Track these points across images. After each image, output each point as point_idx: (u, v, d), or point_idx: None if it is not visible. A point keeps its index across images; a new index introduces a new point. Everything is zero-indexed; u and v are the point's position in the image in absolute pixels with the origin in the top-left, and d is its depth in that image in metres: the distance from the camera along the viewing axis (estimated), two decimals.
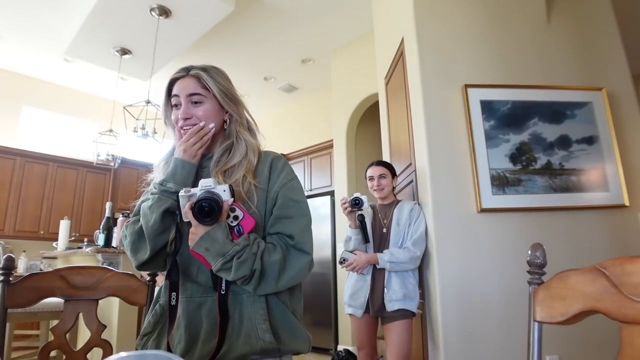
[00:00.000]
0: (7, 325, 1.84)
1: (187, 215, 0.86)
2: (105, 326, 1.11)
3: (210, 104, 0.97)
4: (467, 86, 2.30)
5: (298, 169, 5.02)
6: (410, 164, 2.45)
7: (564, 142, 2.29)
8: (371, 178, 2.22)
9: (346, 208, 2.08)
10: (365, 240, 2.08)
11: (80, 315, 1.11)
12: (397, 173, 2.37)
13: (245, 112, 1.03)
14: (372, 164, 2.25)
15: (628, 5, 3.47)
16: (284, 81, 5.39)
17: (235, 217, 0.87)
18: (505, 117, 2.29)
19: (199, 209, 0.84)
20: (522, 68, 2.40)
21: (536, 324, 0.76)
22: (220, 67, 1.04)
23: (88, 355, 1.10)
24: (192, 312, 0.89)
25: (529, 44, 2.46)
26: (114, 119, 4.66)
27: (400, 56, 2.65)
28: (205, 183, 0.88)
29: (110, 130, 4.31)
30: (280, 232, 0.92)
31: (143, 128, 3.89)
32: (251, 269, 0.84)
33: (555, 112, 2.32)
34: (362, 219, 2.09)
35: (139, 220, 0.95)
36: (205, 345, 0.85)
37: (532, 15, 2.51)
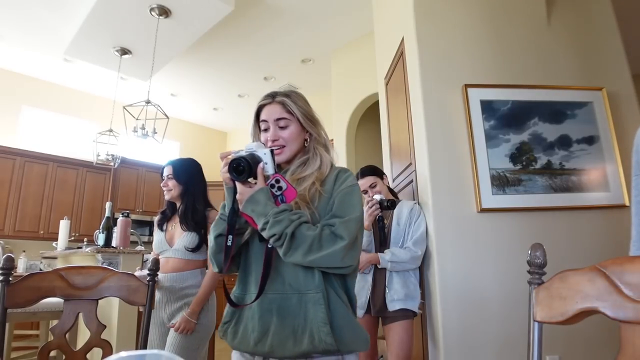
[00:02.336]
0: (7, 325, 1.85)
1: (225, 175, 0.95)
2: (105, 326, 1.11)
3: (294, 127, 1.09)
4: (467, 86, 2.30)
5: None
6: (410, 163, 2.45)
7: (564, 142, 2.29)
8: (365, 191, 2.17)
9: (376, 209, 2.01)
10: (382, 242, 2.06)
11: (80, 315, 1.11)
12: (397, 173, 2.36)
13: (322, 131, 1.15)
14: (357, 176, 2.17)
15: (628, 5, 3.47)
16: (284, 81, 5.38)
17: (280, 188, 0.96)
18: (505, 117, 2.29)
19: (236, 164, 0.92)
20: (522, 68, 2.40)
21: (536, 323, 0.76)
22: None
23: (88, 355, 1.10)
24: (265, 307, 0.98)
25: (529, 43, 2.45)
26: (114, 119, 4.65)
27: (400, 56, 2.65)
28: (249, 146, 0.97)
29: (110, 130, 4.31)
30: (328, 222, 0.99)
31: (143, 128, 3.89)
32: (283, 230, 0.91)
33: (556, 112, 2.32)
34: (382, 220, 2.08)
35: None
36: (275, 336, 0.94)
37: (532, 15, 2.51)
